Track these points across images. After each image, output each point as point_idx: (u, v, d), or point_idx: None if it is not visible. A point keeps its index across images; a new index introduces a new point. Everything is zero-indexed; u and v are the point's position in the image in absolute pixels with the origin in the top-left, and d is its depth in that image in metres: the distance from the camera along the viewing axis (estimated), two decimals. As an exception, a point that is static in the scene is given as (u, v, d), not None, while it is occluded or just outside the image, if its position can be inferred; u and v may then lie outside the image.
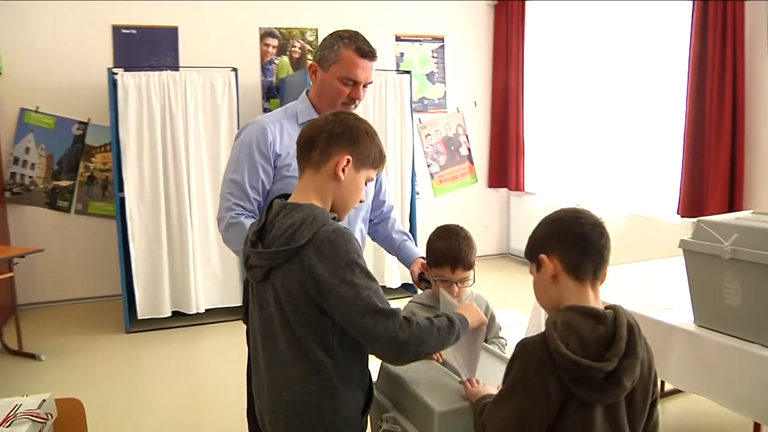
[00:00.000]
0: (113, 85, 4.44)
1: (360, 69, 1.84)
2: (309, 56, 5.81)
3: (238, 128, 3.58)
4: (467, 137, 6.67)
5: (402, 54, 6.28)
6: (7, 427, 1.57)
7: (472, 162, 6.71)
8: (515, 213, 6.69)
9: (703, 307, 2.13)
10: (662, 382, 3.10)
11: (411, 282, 3.11)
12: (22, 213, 5.13)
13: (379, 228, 2.18)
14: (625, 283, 2.82)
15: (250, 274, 1.44)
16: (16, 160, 5.07)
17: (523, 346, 1.26)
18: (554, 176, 6.09)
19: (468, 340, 1.53)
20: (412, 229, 5.42)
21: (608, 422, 1.23)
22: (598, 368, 1.17)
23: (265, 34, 5.74)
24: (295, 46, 5.83)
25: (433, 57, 6.43)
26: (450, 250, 1.79)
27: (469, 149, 6.69)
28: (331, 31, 1.92)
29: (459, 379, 1.59)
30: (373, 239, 2.20)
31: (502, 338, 2.02)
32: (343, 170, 1.43)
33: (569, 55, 5.77)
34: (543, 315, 2.28)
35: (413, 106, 5.53)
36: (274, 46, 5.77)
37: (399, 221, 2.23)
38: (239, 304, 3.77)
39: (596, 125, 5.48)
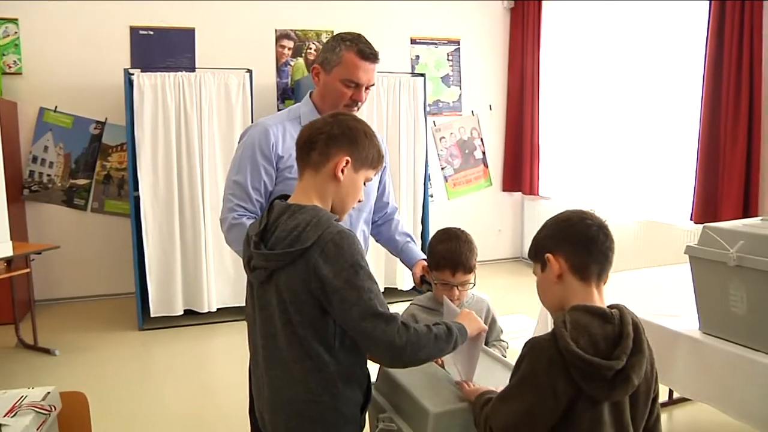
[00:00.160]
0: (129, 85, 4.51)
1: (362, 71, 1.85)
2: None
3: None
4: (482, 140, 6.65)
5: (417, 57, 6.29)
6: (11, 417, 1.61)
7: (486, 165, 6.70)
8: (529, 217, 6.66)
9: (708, 315, 2.11)
10: (670, 390, 3.08)
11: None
12: (40, 210, 5.23)
13: (382, 229, 2.19)
14: (632, 288, 2.80)
15: (253, 276, 1.45)
16: (34, 159, 5.17)
17: (532, 344, 1.28)
18: (568, 180, 6.05)
19: (467, 347, 1.53)
20: (425, 232, 5.42)
21: (613, 419, 1.25)
22: (608, 366, 1.19)
23: (281, 36, 5.79)
24: (310, 48, 5.86)
25: (448, 60, 6.43)
26: (450, 253, 1.79)
27: (483, 152, 6.67)
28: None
29: (455, 380, 1.59)
30: (377, 240, 2.21)
31: (504, 341, 2.02)
32: (342, 171, 1.44)
33: (584, 58, 5.73)
34: (549, 318, 2.28)
35: (428, 109, 5.53)
36: (289, 48, 5.81)
37: (403, 223, 2.23)
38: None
39: (611, 129, 5.44)
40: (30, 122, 5.14)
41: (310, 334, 1.37)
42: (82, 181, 5.31)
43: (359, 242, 1.39)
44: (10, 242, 3.81)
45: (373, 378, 1.67)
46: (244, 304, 1.57)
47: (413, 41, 6.27)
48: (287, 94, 5.82)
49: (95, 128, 5.30)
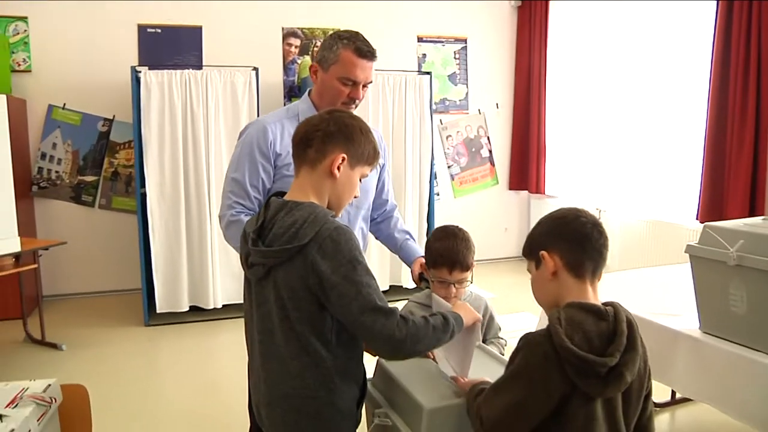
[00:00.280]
0: (137, 82, 4.54)
1: (359, 69, 1.86)
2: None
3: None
4: (488, 139, 6.64)
5: (424, 55, 6.29)
6: (13, 408, 1.63)
7: (492, 164, 6.69)
8: (535, 215, 6.63)
9: (708, 314, 2.10)
10: (673, 390, 3.07)
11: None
12: (48, 207, 5.28)
13: (381, 226, 2.20)
14: (635, 287, 2.79)
15: (250, 272, 1.46)
16: (43, 156, 5.22)
17: (528, 339, 1.28)
18: (575, 179, 6.03)
19: (462, 339, 1.54)
20: (430, 230, 5.40)
21: (606, 415, 1.26)
22: (602, 363, 1.20)
23: (288, 34, 5.80)
24: (317, 46, 5.88)
25: (455, 58, 6.42)
26: (447, 251, 1.79)
27: (490, 151, 6.66)
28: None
29: (450, 375, 1.60)
30: (376, 237, 2.21)
31: (502, 338, 2.02)
32: (339, 168, 1.45)
33: (591, 57, 5.72)
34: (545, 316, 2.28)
35: (435, 107, 5.53)
36: (296, 46, 5.83)
37: (402, 220, 2.24)
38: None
39: (617, 128, 5.42)
40: (39, 119, 5.19)
41: (308, 330, 1.38)
42: (90, 178, 5.36)
43: (356, 238, 1.40)
44: (18, 238, 3.86)
45: (370, 374, 1.68)
46: (248, 301, 1.58)
47: (420, 39, 6.27)
48: (294, 92, 5.83)
49: (103, 125, 5.34)
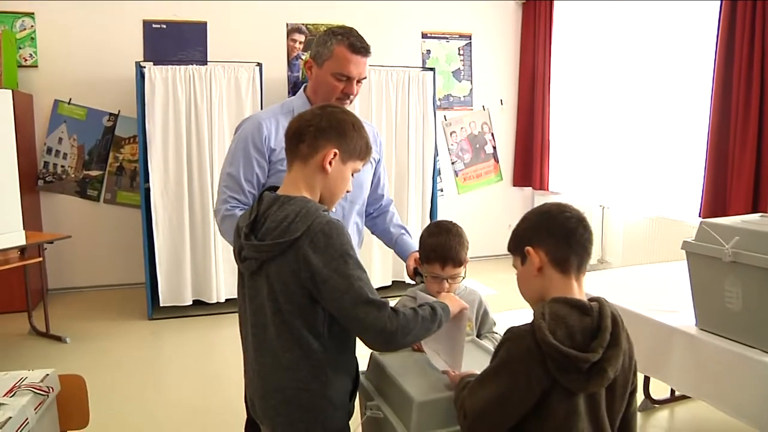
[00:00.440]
0: (141, 78, 4.57)
1: (353, 65, 1.87)
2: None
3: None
4: (492, 135, 6.64)
5: (428, 51, 6.29)
6: (10, 397, 1.66)
7: (497, 160, 6.68)
8: (539, 213, 6.62)
9: (704, 311, 2.10)
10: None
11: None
12: (54, 201, 5.32)
13: (377, 221, 2.20)
14: (633, 284, 2.79)
15: (243, 266, 1.47)
16: (49, 150, 5.26)
17: (512, 333, 1.29)
18: (579, 176, 6.02)
19: (450, 328, 1.55)
20: (433, 226, 5.42)
21: (589, 410, 1.26)
22: (584, 358, 1.19)
23: (292, 30, 5.81)
24: (321, 43, 5.87)
25: (459, 54, 6.41)
26: (440, 247, 1.80)
27: (494, 147, 6.66)
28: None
29: (441, 369, 1.61)
30: (372, 232, 2.22)
31: (497, 333, 2.02)
32: (330, 163, 1.46)
33: (595, 54, 5.70)
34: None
35: (439, 103, 5.53)
36: (300, 42, 5.84)
37: (398, 215, 2.25)
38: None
39: (621, 125, 5.41)
40: (45, 114, 5.23)
41: (300, 323, 1.39)
42: (95, 173, 5.40)
43: (347, 232, 1.41)
44: (23, 231, 3.89)
45: (363, 366, 1.70)
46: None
47: (424, 35, 6.26)
48: (298, 87, 5.83)
49: (108, 120, 5.37)
